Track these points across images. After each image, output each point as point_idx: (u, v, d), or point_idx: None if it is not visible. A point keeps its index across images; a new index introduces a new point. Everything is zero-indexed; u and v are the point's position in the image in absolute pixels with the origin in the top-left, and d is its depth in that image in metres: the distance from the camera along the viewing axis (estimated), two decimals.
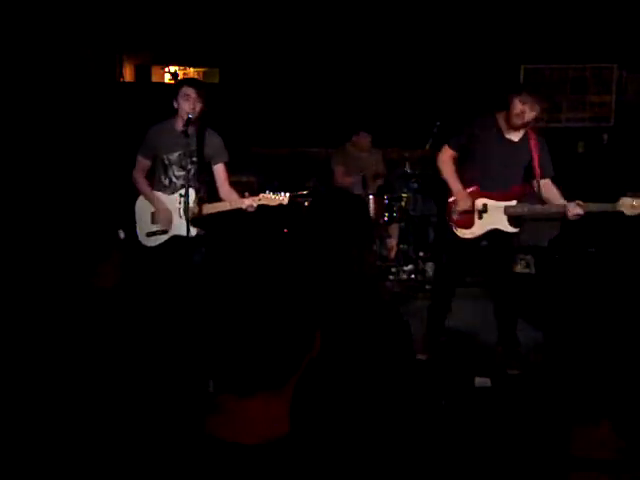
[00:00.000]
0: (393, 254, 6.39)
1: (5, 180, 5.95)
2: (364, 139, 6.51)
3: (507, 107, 4.06)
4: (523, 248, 6.49)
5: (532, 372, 3.78)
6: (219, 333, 1.05)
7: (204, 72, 7.91)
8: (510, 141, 4.12)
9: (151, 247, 4.22)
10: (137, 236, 4.30)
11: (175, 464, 1.03)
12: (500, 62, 7.24)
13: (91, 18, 6.82)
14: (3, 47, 6.22)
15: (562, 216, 4.05)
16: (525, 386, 3.49)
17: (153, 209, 4.24)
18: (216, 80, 7.72)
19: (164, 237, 4.20)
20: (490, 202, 4.12)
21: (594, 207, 3.97)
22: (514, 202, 4.09)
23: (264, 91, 7.50)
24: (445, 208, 4.24)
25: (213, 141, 4.19)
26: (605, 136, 7.34)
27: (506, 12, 7.10)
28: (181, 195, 3.97)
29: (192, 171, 4.05)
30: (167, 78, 7.83)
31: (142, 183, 4.27)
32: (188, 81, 4.36)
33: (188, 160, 4.00)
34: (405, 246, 6.42)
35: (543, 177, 4.12)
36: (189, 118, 3.93)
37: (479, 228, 4.14)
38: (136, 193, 4.33)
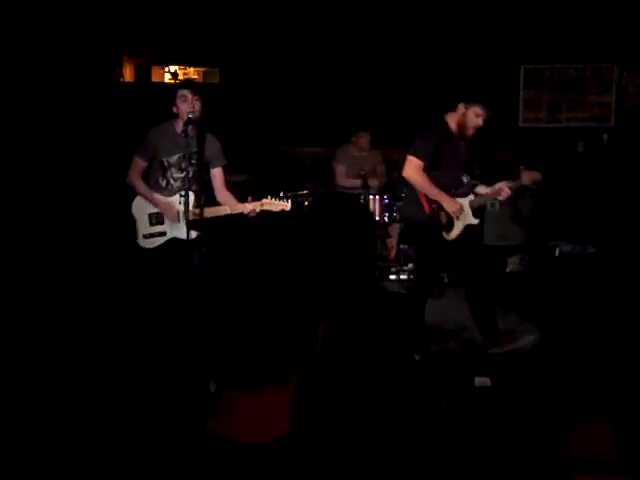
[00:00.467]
0: (393, 254, 6.40)
1: (5, 180, 5.95)
2: (364, 139, 6.55)
3: (453, 109, 4.41)
4: (519, 248, 6.51)
5: (532, 372, 3.79)
6: (225, 327, 1.05)
7: (204, 72, 7.91)
8: (459, 141, 4.46)
9: (149, 249, 4.19)
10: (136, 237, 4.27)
11: (177, 463, 1.03)
12: (500, 62, 7.25)
13: (91, 18, 6.82)
14: (3, 47, 6.22)
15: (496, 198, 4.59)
16: (525, 386, 3.50)
17: (150, 210, 4.20)
18: (216, 80, 7.72)
19: (162, 239, 4.18)
20: (461, 201, 4.44)
21: (514, 185, 4.49)
22: (472, 196, 4.50)
23: (264, 91, 7.50)
24: (423, 214, 4.42)
25: (213, 145, 4.19)
26: (605, 136, 7.34)
27: (506, 12, 7.10)
28: (181, 195, 3.96)
29: (191, 173, 4.04)
30: (167, 78, 7.83)
31: (140, 184, 4.22)
32: (183, 84, 4.39)
33: (187, 162, 3.99)
34: (405, 246, 6.42)
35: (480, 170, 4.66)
36: (189, 118, 3.93)
37: (458, 228, 4.43)
38: (133, 194, 4.30)
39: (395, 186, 6.52)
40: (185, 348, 3.56)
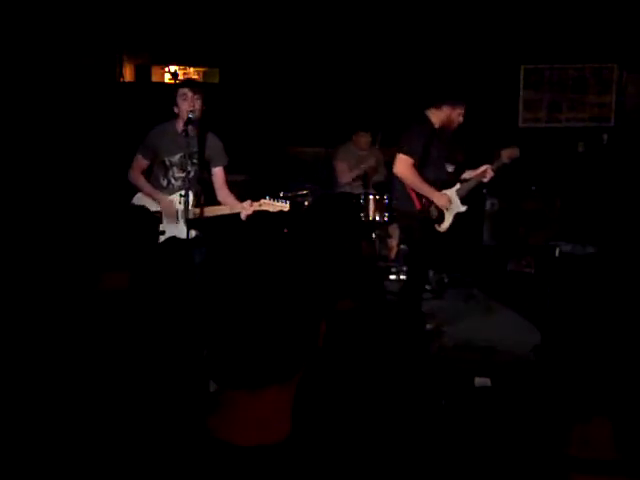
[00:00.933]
0: (393, 254, 6.40)
1: (5, 179, 5.95)
2: (364, 139, 6.56)
3: (437, 107, 4.58)
4: (524, 248, 6.50)
5: (532, 372, 3.78)
6: (226, 326, 1.05)
7: (204, 72, 7.91)
8: (442, 135, 4.63)
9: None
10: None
11: (177, 463, 1.03)
12: (500, 62, 7.25)
13: (91, 18, 6.81)
14: (3, 47, 6.22)
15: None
16: (525, 386, 3.49)
17: (151, 209, 4.21)
18: (216, 80, 7.72)
19: (161, 238, 4.19)
20: (448, 193, 4.61)
21: (495, 166, 4.70)
22: (458, 185, 4.69)
23: (264, 91, 7.50)
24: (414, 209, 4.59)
25: (214, 143, 4.20)
26: (605, 136, 7.34)
27: (506, 12, 7.10)
28: (181, 195, 3.97)
29: (192, 173, 4.04)
30: (167, 78, 7.82)
31: (142, 181, 4.22)
32: (183, 83, 4.40)
33: (189, 162, 4.00)
34: (405, 246, 6.42)
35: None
36: (189, 118, 3.93)
37: (448, 219, 4.63)
38: (133, 192, 4.30)
39: None
40: (185, 348, 3.56)
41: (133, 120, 6.10)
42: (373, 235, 6.17)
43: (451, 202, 4.57)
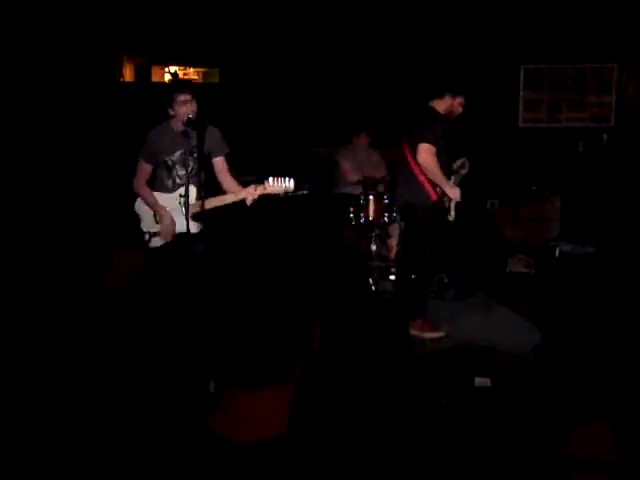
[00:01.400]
0: (393, 254, 6.39)
1: (5, 180, 5.95)
2: (364, 139, 6.58)
3: (440, 96, 4.70)
4: (519, 248, 6.51)
5: (532, 372, 3.78)
6: (225, 326, 1.06)
7: (204, 72, 7.91)
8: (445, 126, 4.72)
9: (154, 247, 4.20)
10: (144, 236, 4.26)
11: (177, 461, 1.03)
12: (500, 62, 7.25)
13: (91, 18, 6.82)
14: (3, 47, 6.23)
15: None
16: (525, 386, 3.49)
17: (150, 214, 4.22)
18: (216, 80, 7.72)
19: (154, 241, 4.20)
20: (452, 180, 4.71)
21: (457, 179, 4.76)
22: (452, 177, 4.76)
23: (264, 91, 7.50)
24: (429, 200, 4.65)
25: (213, 134, 4.19)
26: (605, 136, 7.34)
27: (506, 12, 7.10)
28: (181, 195, 3.96)
29: (193, 168, 4.04)
30: (167, 78, 7.83)
31: (146, 192, 4.20)
32: (180, 87, 4.40)
33: (189, 157, 3.99)
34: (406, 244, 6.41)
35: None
36: (189, 118, 3.93)
37: (453, 208, 4.71)
38: (135, 194, 4.29)
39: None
40: (185, 348, 3.56)
41: (133, 120, 6.10)
42: (372, 235, 6.17)
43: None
